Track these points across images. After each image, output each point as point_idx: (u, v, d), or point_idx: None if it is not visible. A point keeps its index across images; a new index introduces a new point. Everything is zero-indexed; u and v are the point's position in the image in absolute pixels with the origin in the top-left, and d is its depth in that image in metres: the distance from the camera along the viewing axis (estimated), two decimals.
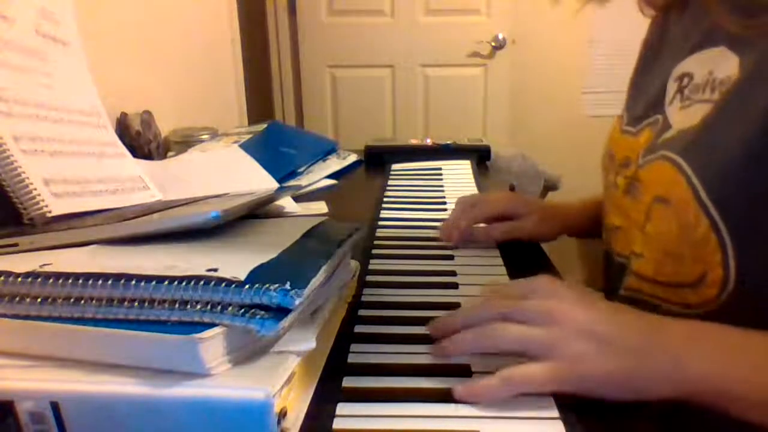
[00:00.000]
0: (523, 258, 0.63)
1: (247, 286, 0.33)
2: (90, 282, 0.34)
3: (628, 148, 0.57)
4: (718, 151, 0.45)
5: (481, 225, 0.67)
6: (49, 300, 0.34)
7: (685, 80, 0.52)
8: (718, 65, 0.48)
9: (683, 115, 0.50)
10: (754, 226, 0.43)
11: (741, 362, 0.37)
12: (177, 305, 0.33)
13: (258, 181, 0.83)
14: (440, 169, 1.00)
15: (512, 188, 0.96)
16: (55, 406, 0.31)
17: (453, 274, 0.57)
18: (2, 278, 0.35)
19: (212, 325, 0.32)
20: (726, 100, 0.46)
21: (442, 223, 0.66)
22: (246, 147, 0.93)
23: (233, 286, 0.33)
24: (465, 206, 0.67)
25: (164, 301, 0.33)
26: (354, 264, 0.52)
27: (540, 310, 0.39)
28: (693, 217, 0.45)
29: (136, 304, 0.34)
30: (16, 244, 0.44)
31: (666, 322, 0.40)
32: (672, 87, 0.54)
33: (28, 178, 0.52)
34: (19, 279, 0.35)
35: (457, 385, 0.37)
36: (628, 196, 0.55)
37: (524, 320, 0.38)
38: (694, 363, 0.37)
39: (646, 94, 0.59)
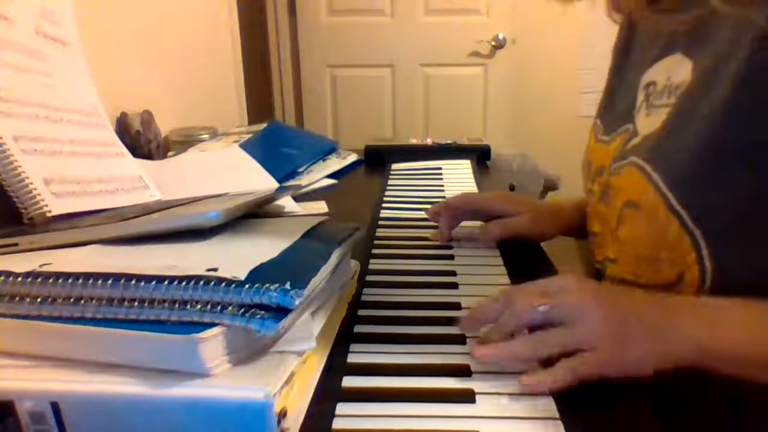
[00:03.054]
0: (523, 258, 0.63)
1: (247, 286, 0.33)
2: (90, 282, 0.34)
3: (602, 157, 0.58)
4: (678, 153, 0.46)
5: (478, 223, 0.67)
6: (49, 300, 0.34)
7: (650, 88, 0.53)
8: (675, 71, 0.50)
9: (647, 122, 0.52)
10: (723, 222, 0.44)
11: (738, 329, 0.41)
12: (177, 305, 0.33)
13: (258, 181, 0.83)
14: (440, 169, 1.00)
15: (512, 188, 0.96)
16: (55, 406, 0.31)
17: (453, 274, 0.57)
18: (2, 278, 0.35)
19: (212, 325, 0.32)
20: (681, 103, 0.47)
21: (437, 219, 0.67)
22: (246, 147, 0.93)
23: (233, 286, 0.33)
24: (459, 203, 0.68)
25: (164, 301, 0.33)
26: (354, 264, 0.52)
27: (578, 308, 0.40)
28: (663, 220, 0.46)
29: (136, 304, 0.34)
30: (16, 244, 0.44)
31: (673, 299, 0.43)
32: (640, 96, 0.55)
33: (28, 178, 0.52)
34: (19, 279, 0.35)
35: (523, 376, 0.38)
36: (602, 203, 0.56)
37: (565, 320, 0.40)
38: (698, 332, 0.40)
39: (617, 103, 0.60)
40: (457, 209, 0.67)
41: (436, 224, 0.69)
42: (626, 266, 0.52)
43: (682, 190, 0.45)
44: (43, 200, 0.52)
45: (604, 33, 2.31)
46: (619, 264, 0.53)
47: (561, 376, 0.38)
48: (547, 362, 0.39)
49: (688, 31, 0.49)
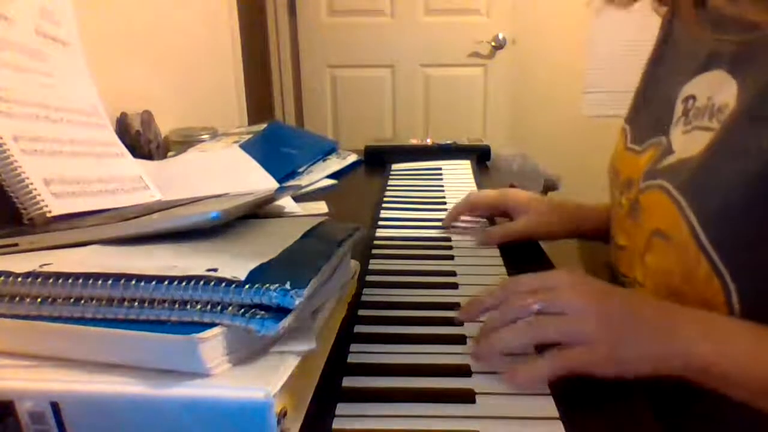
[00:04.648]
0: (523, 258, 0.63)
1: (247, 286, 0.33)
2: (90, 282, 0.34)
3: (631, 168, 0.56)
4: (716, 189, 0.44)
5: (481, 221, 0.69)
6: (49, 300, 0.34)
7: (690, 102, 0.51)
8: (718, 90, 0.48)
9: (684, 141, 0.50)
10: (756, 268, 0.42)
11: (743, 351, 0.39)
12: (177, 305, 0.33)
13: (258, 181, 0.83)
14: (440, 169, 1.00)
15: (512, 188, 0.96)
16: (55, 406, 0.31)
17: (453, 274, 0.57)
18: (2, 278, 0.35)
19: (212, 325, 0.32)
20: (724, 134, 0.45)
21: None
22: (246, 147, 0.93)
23: (233, 286, 0.33)
24: (469, 196, 0.70)
25: (164, 301, 0.33)
26: (354, 264, 0.52)
27: (575, 305, 0.39)
28: (693, 257, 0.44)
29: (136, 304, 0.34)
30: (16, 244, 0.44)
31: (679, 309, 0.42)
32: (678, 109, 0.53)
33: (28, 178, 0.52)
34: (19, 279, 0.35)
35: (506, 372, 0.38)
36: (630, 218, 0.55)
37: (558, 312, 0.39)
38: (702, 347, 0.39)
39: (651, 111, 0.58)
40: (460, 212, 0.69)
41: (437, 227, 0.70)
42: (654, 295, 0.50)
43: (716, 231, 0.43)
44: (43, 200, 0.52)
45: (612, 33, 2.31)
46: (647, 290, 0.52)
47: (539, 371, 0.37)
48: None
49: (733, 51, 0.48)
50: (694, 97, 0.51)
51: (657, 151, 0.53)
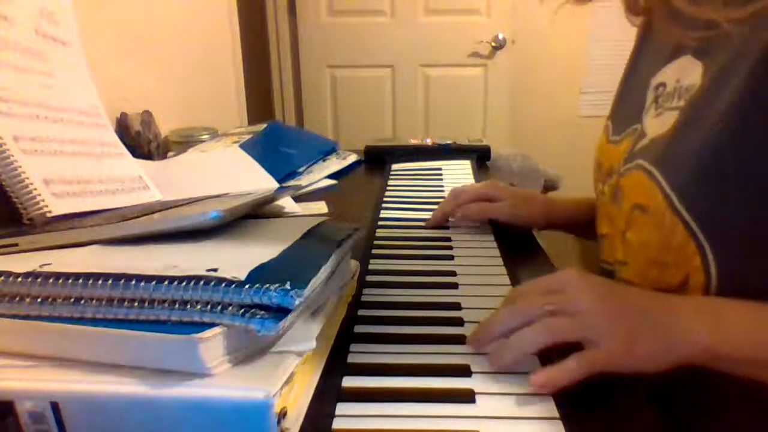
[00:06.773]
0: (523, 259, 0.63)
1: (247, 286, 0.33)
2: (90, 282, 0.34)
3: (612, 158, 0.58)
4: (684, 157, 0.46)
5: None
6: (49, 300, 0.34)
7: (660, 89, 0.53)
8: (685, 73, 0.50)
9: (656, 124, 0.52)
10: (728, 229, 0.44)
11: (738, 330, 0.41)
12: (177, 305, 0.33)
13: (258, 181, 0.83)
14: (440, 169, 1.00)
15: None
16: (55, 406, 0.31)
17: (453, 274, 0.57)
18: (2, 278, 0.35)
19: (212, 325, 0.32)
20: (690, 107, 0.47)
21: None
22: (246, 147, 0.93)
23: (233, 286, 0.33)
24: (451, 194, 0.73)
25: (164, 301, 0.33)
26: (354, 264, 0.52)
27: (584, 304, 0.40)
28: (669, 224, 0.46)
29: (136, 304, 0.34)
30: (16, 244, 0.44)
31: (672, 298, 0.44)
32: (649, 96, 0.55)
33: (28, 178, 0.52)
34: (19, 279, 0.35)
35: (532, 377, 0.38)
36: (614, 204, 0.56)
37: (571, 312, 0.40)
38: (699, 330, 0.40)
39: (627, 104, 0.60)
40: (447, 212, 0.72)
41: (437, 226, 0.71)
42: (635, 269, 0.52)
43: (687, 195, 0.45)
44: (43, 200, 0.52)
45: (612, 33, 2.30)
46: (629, 267, 0.53)
47: (570, 372, 0.38)
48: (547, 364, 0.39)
49: (696, 45, 0.50)
50: (664, 84, 0.53)
51: (632, 138, 0.55)
